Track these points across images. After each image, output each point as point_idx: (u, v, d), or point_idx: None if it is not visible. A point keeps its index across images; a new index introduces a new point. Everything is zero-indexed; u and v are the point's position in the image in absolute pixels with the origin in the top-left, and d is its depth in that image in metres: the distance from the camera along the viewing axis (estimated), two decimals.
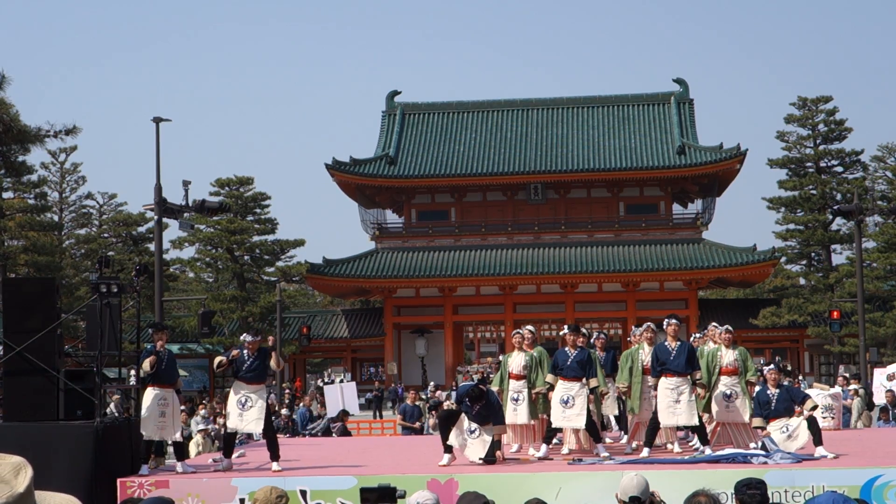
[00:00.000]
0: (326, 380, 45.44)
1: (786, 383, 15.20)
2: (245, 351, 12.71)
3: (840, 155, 52.25)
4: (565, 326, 14.05)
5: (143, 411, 12.75)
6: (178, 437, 13.22)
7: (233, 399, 12.80)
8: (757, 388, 13.78)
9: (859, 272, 35.41)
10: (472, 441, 12.48)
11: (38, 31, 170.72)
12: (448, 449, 12.34)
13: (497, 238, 54.62)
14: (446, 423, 12.59)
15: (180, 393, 13.95)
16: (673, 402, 12.94)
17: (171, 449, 14.49)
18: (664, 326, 13.50)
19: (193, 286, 61.16)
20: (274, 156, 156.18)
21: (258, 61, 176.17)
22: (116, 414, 19.79)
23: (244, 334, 13.12)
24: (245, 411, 12.60)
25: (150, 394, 12.77)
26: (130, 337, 38.85)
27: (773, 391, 13.14)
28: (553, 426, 13.35)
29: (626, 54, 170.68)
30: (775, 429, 12.82)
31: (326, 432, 23.97)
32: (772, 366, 14.01)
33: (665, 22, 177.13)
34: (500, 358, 15.73)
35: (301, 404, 29.20)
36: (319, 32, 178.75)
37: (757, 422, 13.14)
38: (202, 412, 24.14)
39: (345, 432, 24.17)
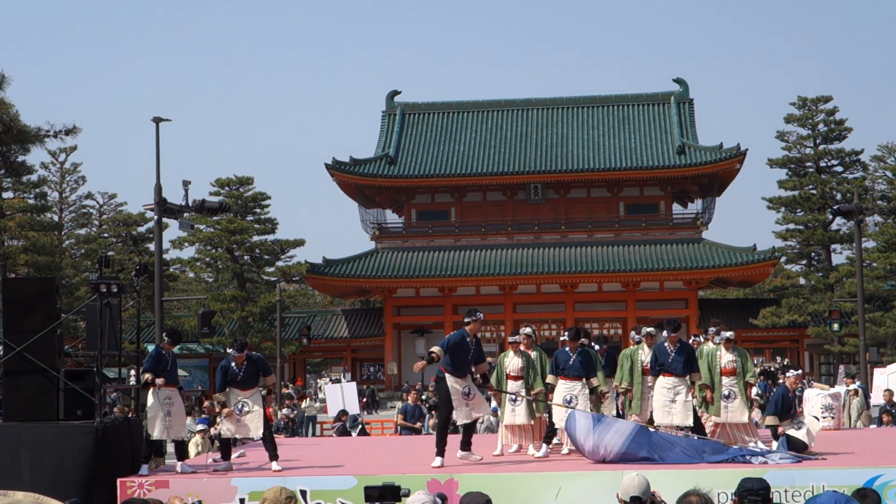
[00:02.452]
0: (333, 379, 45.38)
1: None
2: (233, 364, 12.68)
3: (840, 155, 52.27)
4: (565, 333, 14.02)
5: (150, 411, 12.75)
6: (182, 435, 13.23)
7: (229, 405, 12.80)
8: (755, 389, 13.79)
9: (859, 272, 35.40)
10: (468, 403, 12.47)
11: (37, 31, 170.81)
12: (441, 452, 12.25)
13: (497, 238, 54.64)
14: (445, 426, 12.54)
15: (183, 389, 13.94)
16: (669, 402, 13.00)
17: (170, 448, 14.48)
18: (665, 334, 13.46)
19: (193, 286, 61.17)
20: (274, 156, 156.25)
21: (258, 61, 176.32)
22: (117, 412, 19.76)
23: (230, 349, 12.98)
24: (242, 416, 12.60)
25: (154, 393, 12.76)
26: (130, 337, 38.94)
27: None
28: (556, 426, 13.34)
29: (626, 54, 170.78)
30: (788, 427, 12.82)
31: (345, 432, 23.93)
32: (798, 371, 13.92)
33: (665, 22, 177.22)
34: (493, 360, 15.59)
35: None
36: (319, 32, 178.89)
37: (770, 420, 13.15)
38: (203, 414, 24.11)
39: (344, 432, 24.15)
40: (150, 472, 12.67)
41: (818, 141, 52.26)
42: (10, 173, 37.07)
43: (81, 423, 12.54)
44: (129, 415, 15.19)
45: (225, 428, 12.72)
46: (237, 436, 13.10)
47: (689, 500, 5.87)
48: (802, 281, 59.03)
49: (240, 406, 12.59)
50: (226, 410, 12.55)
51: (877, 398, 24.39)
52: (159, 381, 12.65)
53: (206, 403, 24.32)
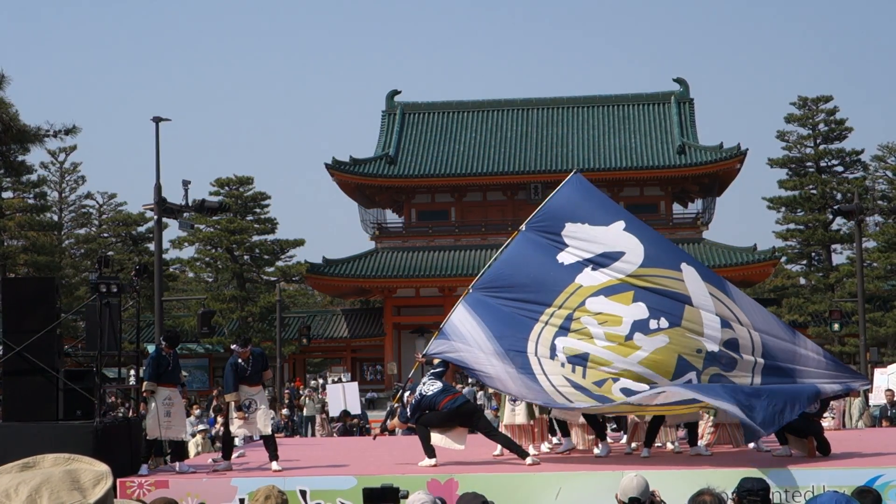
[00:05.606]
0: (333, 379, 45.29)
1: None
2: (240, 360, 12.69)
3: (840, 154, 52.25)
4: None
5: (149, 411, 12.75)
6: (182, 436, 13.22)
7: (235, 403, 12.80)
8: None
9: (859, 272, 35.39)
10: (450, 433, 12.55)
11: (37, 31, 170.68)
12: (431, 454, 12.23)
13: (497, 238, 54.48)
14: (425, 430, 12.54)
15: (185, 387, 13.94)
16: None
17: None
18: None
19: (193, 286, 61.18)
20: (274, 156, 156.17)
21: (258, 61, 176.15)
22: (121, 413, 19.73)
23: (234, 345, 13.00)
24: (249, 414, 12.60)
25: (154, 394, 12.76)
26: (130, 337, 38.93)
27: None
28: (554, 415, 13.42)
29: (626, 54, 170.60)
30: None
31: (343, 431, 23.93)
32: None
33: (665, 22, 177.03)
34: None
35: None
36: (319, 32, 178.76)
37: None
38: (197, 412, 24.12)
39: (345, 432, 24.16)
40: (150, 472, 12.66)
41: (818, 141, 52.25)
42: (9, 173, 37.11)
43: (81, 423, 12.55)
44: (130, 414, 15.20)
45: (236, 428, 12.71)
46: (248, 434, 13.13)
47: (702, 500, 5.84)
48: (803, 281, 59.02)
49: (247, 403, 12.61)
50: (238, 414, 12.53)
51: (877, 398, 24.39)
52: (150, 389, 12.72)
53: (197, 411, 24.25)
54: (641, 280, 12.52)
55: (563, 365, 12.23)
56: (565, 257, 12.82)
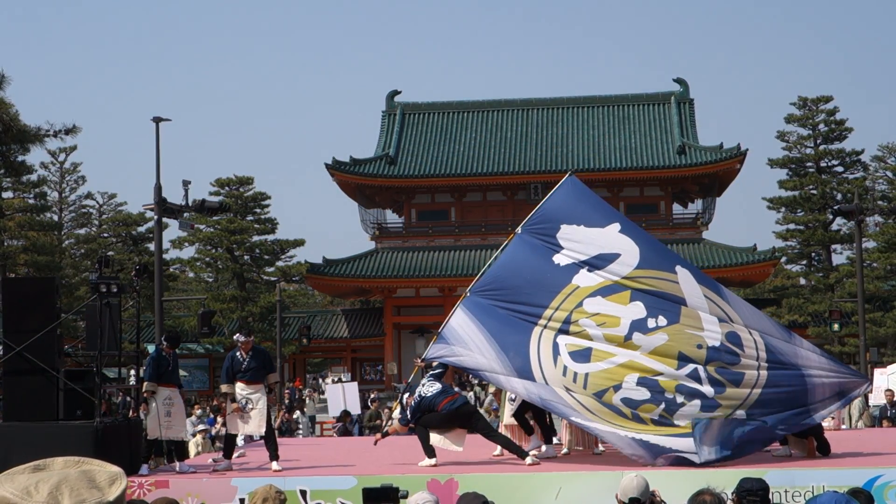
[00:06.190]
0: (333, 379, 45.31)
1: None
2: (239, 353, 12.68)
3: (840, 155, 52.27)
4: None
5: (150, 411, 12.76)
6: (183, 436, 13.21)
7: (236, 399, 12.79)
8: None
9: (859, 272, 35.40)
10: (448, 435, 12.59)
11: (37, 31, 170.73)
12: (431, 454, 12.26)
13: (497, 238, 54.50)
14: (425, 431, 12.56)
15: (182, 387, 13.95)
16: None
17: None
18: None
19: (193, 286, 61.17)
20: (274, 156, 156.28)
21: (258, 61, 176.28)
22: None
23: (237, 335, 13.01)
24: (246, 412, 12.58)
25: (155, 394, 12.78)
26: (130, 337, 38.92)
27: None
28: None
29: (626, 54, 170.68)
30: None
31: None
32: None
33: (665, 22, 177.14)
34: None
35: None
36: (319, 32, 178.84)
37: None
38: (198, 412, 24.13)
39: (345, 432, 24.17)
40: (150, 472, 12.66)
41: (818, 141, 52.25)
42: (9, 173, 37.12)
43: (81, 423, 12.54)
44: (130, 414, 15.20)
45: (231, 424, 12.70)
46: (240, 433, 13.10)
47: (702, 499, 5.84)
48: (803, 281, 59.04)
49: (243, 402, 12.58)
50: (234, 406, 12.53)
51: (877, 398, 24.40)
52: (151, 389, 12.75)
53: (197, 411, 24.27)
54: (636, 282, 12.54)
55: (564, 373, 12.24)
56: (561, 259, 12.83)
